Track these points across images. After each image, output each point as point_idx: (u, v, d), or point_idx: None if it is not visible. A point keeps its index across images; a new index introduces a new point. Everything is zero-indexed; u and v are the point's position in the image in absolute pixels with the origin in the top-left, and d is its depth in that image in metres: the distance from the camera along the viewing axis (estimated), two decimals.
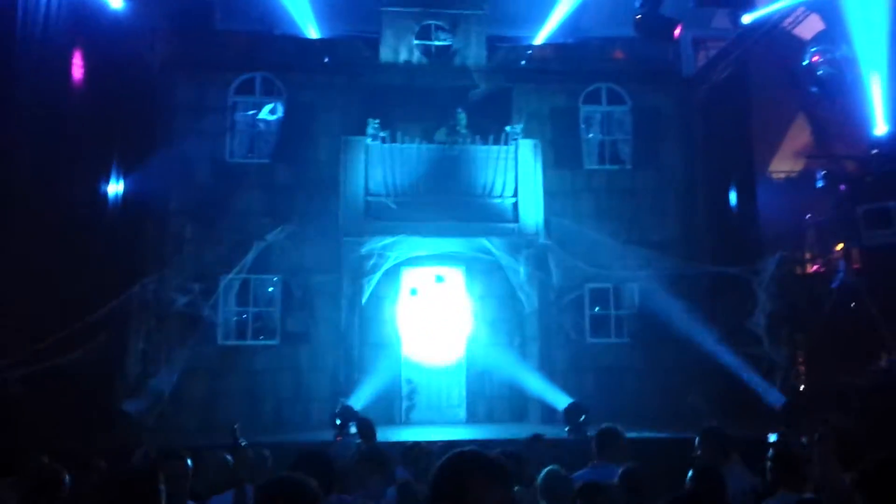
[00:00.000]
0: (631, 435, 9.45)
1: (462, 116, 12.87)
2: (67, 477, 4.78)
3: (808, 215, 12.66)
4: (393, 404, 12.80)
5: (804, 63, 13.51)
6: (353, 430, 6.11)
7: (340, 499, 4.37)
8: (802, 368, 11.72)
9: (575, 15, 14.70)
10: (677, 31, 14.79)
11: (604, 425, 5.58)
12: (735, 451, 5.34)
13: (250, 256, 12.55)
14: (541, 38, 14.56)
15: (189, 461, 5.19)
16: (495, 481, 2.20)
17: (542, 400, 11.92)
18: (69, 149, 10.90)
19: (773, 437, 8.83)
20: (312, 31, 14.21)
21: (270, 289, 13.25)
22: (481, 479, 2.19)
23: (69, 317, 9.89)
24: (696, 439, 5.40)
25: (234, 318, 13.08)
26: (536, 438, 7.33)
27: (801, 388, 11.41)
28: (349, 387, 11.48)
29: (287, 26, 14.37)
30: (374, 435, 5.11)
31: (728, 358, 11.19)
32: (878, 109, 12.38)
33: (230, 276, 12.61)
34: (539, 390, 11.94)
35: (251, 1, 14.35)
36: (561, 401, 11.30)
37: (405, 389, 13.07)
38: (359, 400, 11.25)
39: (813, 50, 13.71)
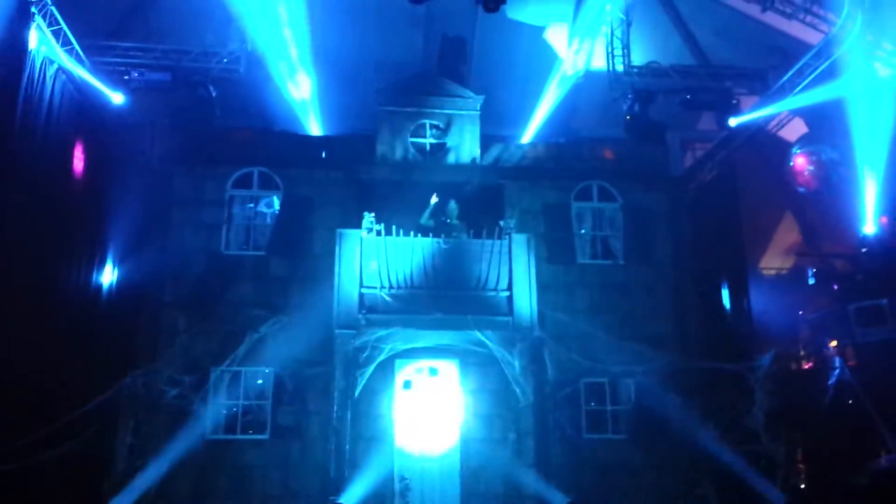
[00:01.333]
0: None
1: (454, 207, 13.04)
2: None
3: (801, 312, 12.78)
4: (385, 502, 12.43)
5: (790, 164, 13.93)
6: None
7: None
8: (802, 466, 11.57)
9: (566, 116, 15.19)
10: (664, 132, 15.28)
11: None
12: None
13: (242, 348, 12.41)
14: (532, 136, 14.97)
15: None
16: None
17: (538, 498, 11.62)
18: (65, 238, 10.94)
19: None
20: (310, 129, 14.55)
21: (261, 381, 13.04)
22: None
23: (58, 409, 9.69)
24: None
25: (224, 412, 12.79)
26: None
27: (801, 486, 11.23)
28: (341, 484, 11.15)
29: (285, 123, 14.73)
30: None
31: (726, 455, 11.02)
32: (869, 209, 12.69)
33: (221, 367, 12.43)
34: (535, 489, 11.65)
35: (250, 98, 14.73)
36: (558, 499, 11.03)
37: (398, 487, 12.71)
38: (351, 498, 10.92)
39: (797, 151, 14.17)
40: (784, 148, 14.52)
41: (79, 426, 9.82)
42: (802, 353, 12.75)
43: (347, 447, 11.87)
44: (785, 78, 13.63)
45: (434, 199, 12.85)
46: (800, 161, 13.96)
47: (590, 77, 14.99)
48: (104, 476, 10.55)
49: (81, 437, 9.70)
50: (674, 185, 15.03)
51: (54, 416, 9.49)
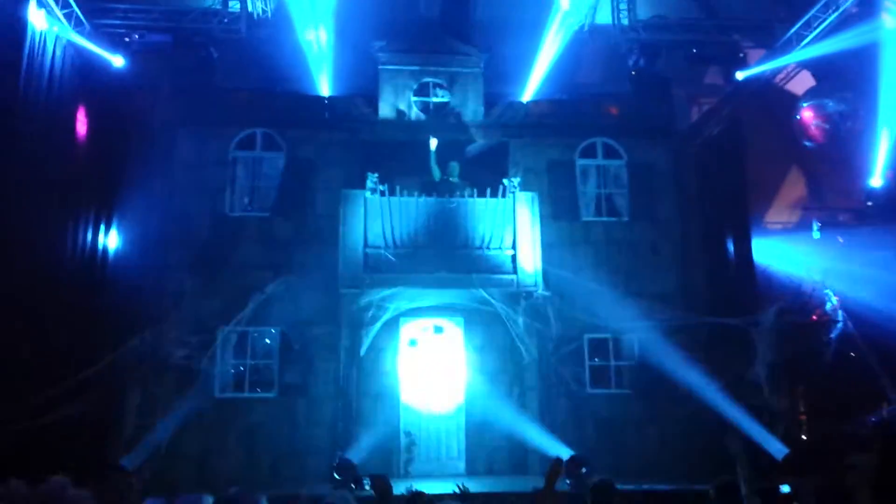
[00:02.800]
0: (628, 487, 9.36)
1: (455, 166, 12.99)
2: None
3: (805, 266, 12.75)
4: (391, 457, 12.64)
5: (797, 117, 13.78)
6: (367, 486, 5.96)
7: None
8: (803, 418, 11.65)
9: (570, 71, 15.04)
10: (670, 87, 15.13)
11: (596, 479, 5.57)
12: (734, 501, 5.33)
13: (249, 309, 12.54)
14: (536, 93, 14.83)
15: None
16: None
17: (542, 451, 11.79)
18: (70, 202, 11.02)
19: (785, 489, 8.74)
20: (313, 89, 14.48)
21: (268, 341, 13.21)
22: None
23: (67, 371, 9.85)
24: (711, 491, 5.38)
25: (232, 371, 13.01)
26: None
27: (803, 437, 11.32)
28: (347, 439, 11.36)
29: (287, 84, 14.66)
30: (390, 492, 4.92)
31: (729, 409, 11.10)
32: (879, 161, 12.56)
33: (228, 328, 12.58)
34: (539, 442, 11.82)
35: (252, 59, 14.65)
36: (562, 452, 11.17)
37: (404, 442, 12.93)
38: (357, 453, 11.12)
39: (804, 104, 14.00)
40: (791, 101, 14.36)
41: (88, 388, 9.99)
42: (806, 306, 12.75)
43: (354, 404, 12.08)
44: (792, 31, 13.44)
45: (434, 144, 12.78)
46: (807, 114, 13.81)
47: (594, 32, 14.82)
48: (114, 435, 10.75)
49: (91, 398, 9.87)
50: (679, 141, 14.90)
51: (64, 378, 9.65)
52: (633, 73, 14.75)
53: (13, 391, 8.98)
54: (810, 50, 13.21)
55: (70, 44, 11.52)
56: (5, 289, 9.22)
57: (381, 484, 4.84)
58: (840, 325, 11.36)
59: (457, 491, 5.34)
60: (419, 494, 5.41)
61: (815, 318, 12.46)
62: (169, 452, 11.03)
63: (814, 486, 7.02)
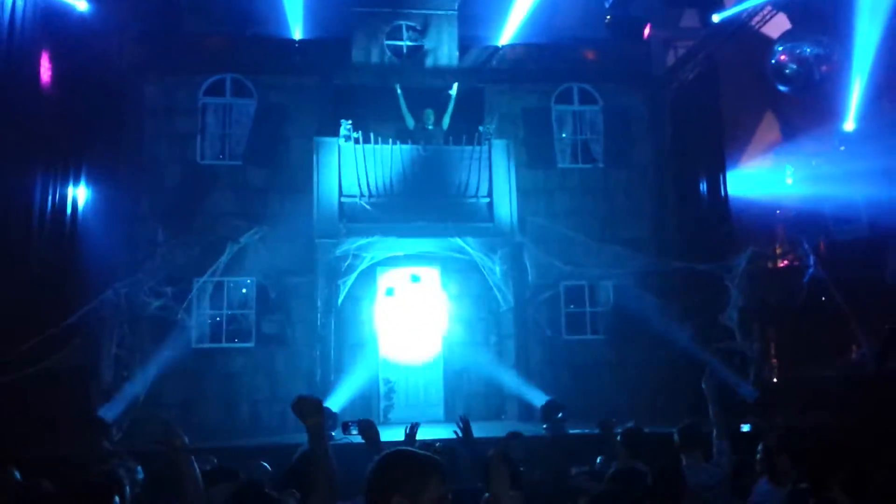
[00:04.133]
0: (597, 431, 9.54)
1: (430, 113, 12.83)
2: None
3: (778, 211, 12.87)
4: (371, 404, 12.77)
5: (772, 61, 13.71)
6: (354, 431, 5.98)
7: None
8: (775, 362, 11.91)
9: (546, 16, 14.78)
10: (646, 30, 14.97)
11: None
12: (700, 446, 5.48)
13: (224, 259, 12.42)
14: (512, 38, 14.59)
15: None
16: (432, 477, 2.31)
17: (519, 397, 11.97)
18: (36, 153, 10.73)
19: (745, 427, 8.97)
20: (283, 32, 14.11)
21: (244, 291, 13.16)
22: (419, 477, 2.30)
23: (41, 324, 9.73)
24: (675, 434, 5.52)
25: (209, 321, 12.99)
26: (515, 436, 7.35)
27: (774, 380, 11.59)
28: (326, 388, 11.41)
29: (257, 27, 14.28)
30: (378, 437, 4.95)
31: (701, 353, 11.31)
32: (851, 106, 12.59)
33: (203, 278, 12.47)
34: (516, 388, 11.99)
35: (220, 2, 14.23)
36: (538, 398, 11.36)
37: (383, 389, 13.06)
38: (337, 401, 11.20)
39: (780, 48, 13.92)
40: (767, 45, 14.27)
41: (64, 340, 9.89)
42: (779, 251, 12.93)
43: (332, 353, 12.10)
44: None
45: (399, 90, 12.59)
46: (782, 58, 13.74)
47: None
48: (92, 387, 10.70)
49: (67, 351, 9.79)
50: (655, 86, 14.83)
51: (39, 332, 9.54)
52: (609, 16, 14.57)
53: None
54: None
55: None
56: None
57: (370, 429, 4.87)
58: (811, 270, 11.54)
59: (457, 432, 5.41)
60: (416, 425, 5.52)
61: (787, 262, 12.64)
62: (148, 402, 11.02)
63: (777, 425, 7.22)
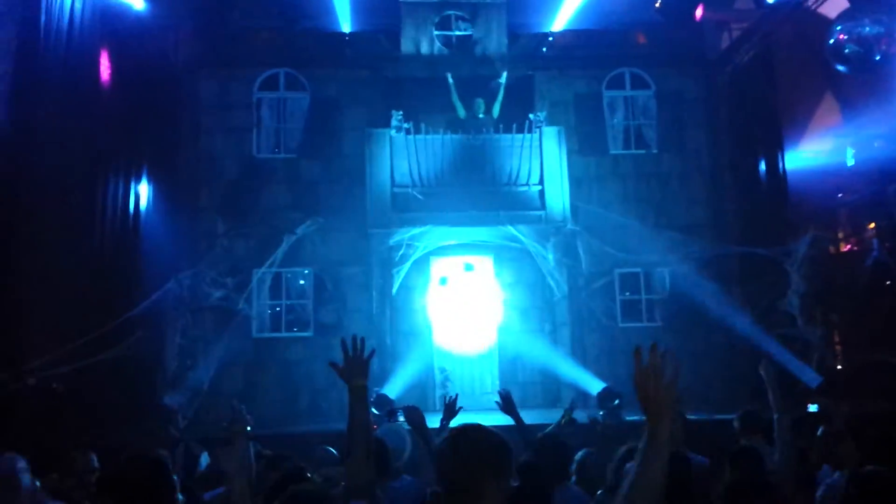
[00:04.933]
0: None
1: (480, 103, 12.84)
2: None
3: (840, 194, 12.56)
4: (427, 392, 12.89)
5: (830, 42, 13.37)
6: (401, 418, 6.06)
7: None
8: (838, 348, 11.65)
9: (596, 0, 14.63)
10: (698, 12, 14.72)
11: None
12: (760, 431, 5.42)
13: (281, 250, 12.68)
14: (562, 24, 14.49)
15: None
16: (511, 458, 2.27)
17: (575, 385, 11.93)
18: (98, 149, 11.04)
19: (813, 408, 8.79)
20: (334, 25, 14.24)
21: (302, 282, 13.38)
22: (506, 459, 2.25)
23: (106, 315, 10.04)
24: (736, 421, 5.48)
25: (268, 311, 13.25)
26: (569, 422, 7.33)
27: (838, 367, 11.35)
28: (383, 376, 11.56)
29: (307, 21, 14.43)
30: (424, 422, 4.99)
31: (762, 339, 11.11)
32: None
33: (262, 269, 12.74)
34: (571, 375, 11.96)
35: None
36: (594, 385, 11.31)
37: (438, 377, 13.16)
38: (393, 388, 11.34)
39: (838, 28, 13.56)
40: (824, 25, 13.89)
41: (128, 330, 10.19)
42: (841, 235, 12.62)
43: (388, 341, 12.24)
44: None
45: (450, 79, 12.59)
46: (841, 38, 13.38)
47: None
48: (157, 376, 11.02)
49: (132, 340, 10.07)
50: (709, 69, 14.57)
51: (103, 322, 9.84)
52: (660, 1, 14.36)
53: (57, 338, 9.19)
54: None
55: None
56: (42, 239, 9.34)
57: (415, 415, 4.90)
58: (875, 253, 11.24)
59: (499, 402, 5.47)
60: (455, 396, 5.50)
61: (849, 246, 12.34)
62: (211, 391, 11.29)
63: (844, 409, 7.07)
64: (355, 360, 3.18)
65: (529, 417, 5.53)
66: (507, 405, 5.53)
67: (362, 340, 3.25)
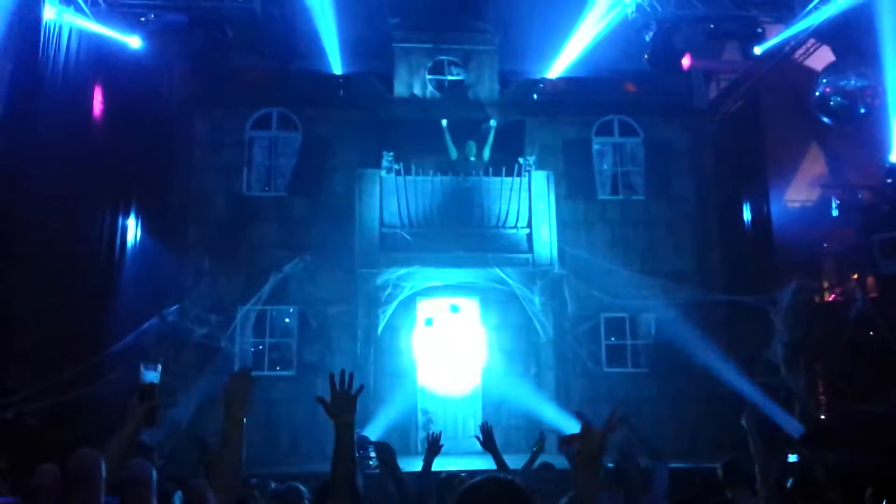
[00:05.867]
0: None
1: (472, 145, 12.97)
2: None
3: (825, 244, 12.66)
4: (409, 434, 12.76)
5: (816, 94, 13.60)
6: (372, 454, 5.97)
7: None
8: (822, 398, 11.64)
9: (586, 49, 14.87)
10: (685, 62, 14.96)
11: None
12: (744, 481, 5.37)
13: (267, 288, 12.65)
14: (553, 71, 14.72)
15: None
16: None
17: (558, 430, 11.83)
18: (89, 185, 11.09)
19: (793, 458, 8.74)
20: (327, 67, 14.43)
21: (287, 320, 13.34)
22: None
23: (89, 350, 9.98)
24: (719, 470, 5.43)
25: (251, 349, 13.17)
26: (546, 467, 7.24)
27: (822, 416, 11.32)
28: (365, 417, 11.44)
29: (302, 62, 14.61)
30: (394, 460, 4.87)
31: (746, 387, 11.10)
32: (894, 137, 12.40)
33: (247, 307, 12.70)
34: (555, 420, 11.87)
35: (267, 38, 14.60)
36: (578, 431, 11.20)
37: (421, 420, 13.05)
38: (375, 430, 11.23)
39: (824, 80, 13.81)
40: (810, 77, 14.16)
41: (110, 365, 10.11)
42: (825, 285, 12.69)
43: (371, 382, 12.16)
44: (811, 5, 13.20)
45: (444, 123, 12.72)
46: (826, 90, 13.62)
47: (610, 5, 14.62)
48: None
49: (113, 376, 9.99)
50: (697, 118, 14.79)
51: (87, 358, 9.78)
52: (650, 49, 14.58)
53: (38, 371, 9.12)
54: (821, 13, 12.85)
55: (86, 24, 11.53)
56: (28, 272, 9.34)
57: (386, 452, 4.78)
58: (859, 304, 11.30)
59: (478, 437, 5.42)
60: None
61: (833, 296, 12.39)
62: (191, 427, 11.17)
63: (827, 460, 7.02)
64: (343, 396, 3.11)
65: (512, 462, 5.46)
66: (486, 440, 5.47)
67: (350, 376, 3.19)
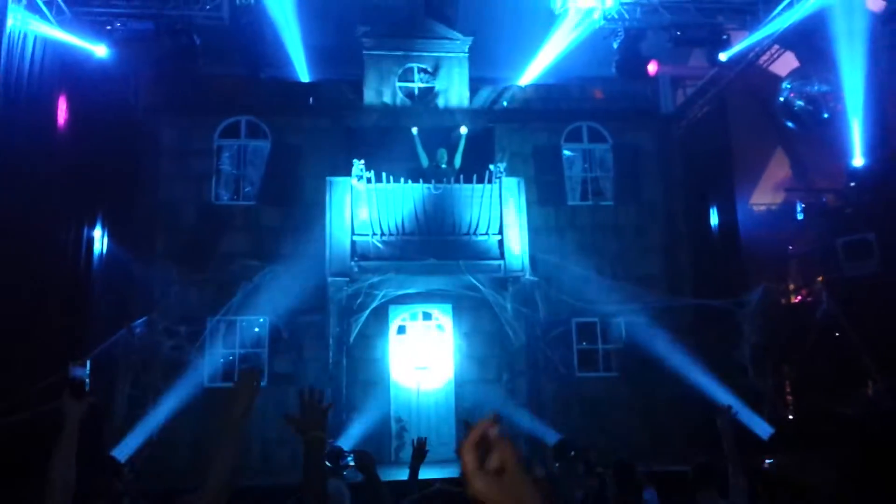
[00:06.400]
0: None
1: (443, 153, 12.97)
2: None
3: (790, 247, 12.85)
4: (382, 443, 12.71)
5: (780, 99, 13.83)
6: (351, 462, 5.88)
7: None
8: (790, 398, 11.80)
9: (555, 56, 14.98)
10: (652, 68, 15.13)
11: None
12: (715, 484, 5.41)
13: (237, 298, 12.52)
14: (522, 79, 14.81)
15: None
16: None
17: (531, 435, 11.86)
18: (53, 195, 10.93)
19: (768, 462, 8.85)
20: (297, 75, 14.39)
21: (257, 330, 13.22)
22: None
23: (55, 365, 9.81)
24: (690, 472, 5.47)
25: (221, 360, 13.02)
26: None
27: (789, 417, 11.47)
28: (338, 427, 11.38)
29: (271, 69, 14.54)
30: (374, 466, 4.78)
31: (714, 390, 11.22)
32: (856, 142, 12.64)
33: (217, 317, 12.57)
34: (528, 426, 11.89)
35: (234, 45, 14.51)
36: (550, 436, 11.25)
37: (395, 428, 13.01)
38: (348, 439, 11.16)
39: (788, 86, 14.05)
40: (775, 83, 14.40)
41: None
42: (791, 287, 12.89)
43: (344, 392, 12.09)
44: (776, 11, 13.42)
45: (415, 131, 12.71)
46: (790, 95, 13.86)
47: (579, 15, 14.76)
48: (104, 426, 10.74)
49: (89, 390, 9.83)
50: (664, 124, 14.98)
51: (54, 371, 9.61)
52: (618, 56, 14.72)
53: (5, 386, 8.96)
54: (785, 19, 13.07)
55: (51, 32, 11.38)
56: None
57: (366, 458, 4.68)
58: (824, 306, 11.49)
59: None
60: (423, 439, 5.37)
61: (799, 298, 12.59)
62: (161, 441, 11.04)
63: (798, 462, 7.12)
64: (312, 412, 3.06)
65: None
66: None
67: (320, 392, 3.16)
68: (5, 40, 10.20)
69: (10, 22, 10.35)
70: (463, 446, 1.44)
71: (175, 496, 3.78)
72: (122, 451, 10.20)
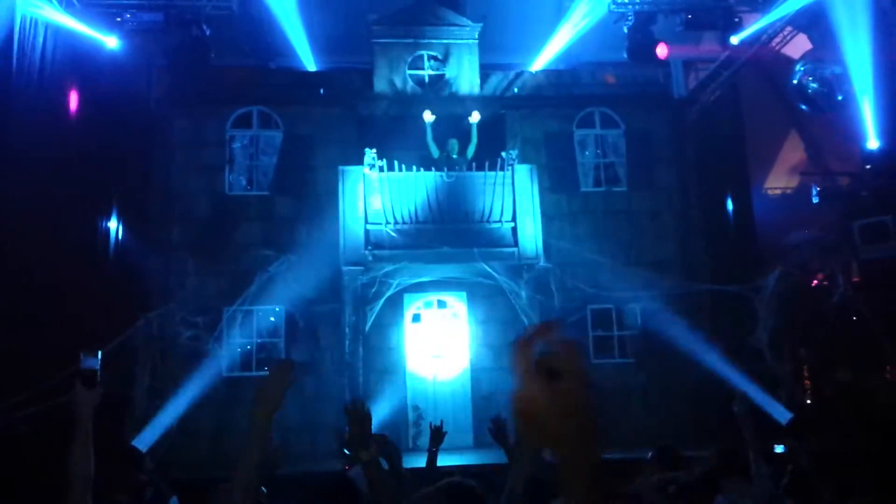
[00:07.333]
0: (630, 456, 9.47)
1: (454, 143, 12.95)
2: None
3: (806, 231, 12.80)
4: (400, 431, 12.74)
5: (793, 81, 13.73)
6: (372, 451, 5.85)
7: None
8: (808, 383, 11.79)
9: (566, 41, 14.90)
10: (661, 51, 15.03)
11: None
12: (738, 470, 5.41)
13: (253, 288, 12.56)
14: (533, 65, 14.74)
15: None
16: None
17: None
18: (68, 187, 10.97)
19: (779, 448, 8.85)
20: (307, 64, 14.36)
21: (273, 319, 13.27)
22: None
23: (71, 356, 9.87)
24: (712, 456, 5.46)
25: (239, 350, 13.09)
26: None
27: (808, 402, 11.46)
28: None
29: (281, 59, 14.53)
30: (400, 459, 4.75)
31: (731, 375, 11.20)
32: (870, 124, 12.55)
33: (233, 308, 12.62)
34: None
35: (244, 35, 14.49)
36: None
37: (412, 416, 13.05)
38: None
39: (801, 68, 13.94)
40: (788, 65, 14.30)
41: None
42: (808, 271, 12.84)
43: (360, 380, 12.15)
44: None
45: (427, 118, 12.64)
46: (804, 78, 13.76)
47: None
48: (125, 416, 10.82)
49: (101, 380, 9.90)
50: (677, 109, 14.87)
51: (68, 363, 9.66)
52: (628, 40, 14.64)
53: (19, 377, 9.03)
54: (797, 1, 12.94)
55: (61, 25, 11.38)
56: (8, 277, 9.22)
57: (392, 450, 4.58)
58: (841, 289, 11.44)
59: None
60: (440, 426, 5.38)
61: (816, 282, 12.54)
62: (180, 431, 11.11)
63: (811, 448, 7.10)
64: (359, 423, 3.02)
65: (503, 456, 5.44)
66: (497, 433, 5.38)
67: (361, 401, 3.14)
68: (17, 34, 10.23)
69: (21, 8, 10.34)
70: (517, 343, 1.26)
71: (200, 485, 3.82)
72: (143, 441, 10.27)
